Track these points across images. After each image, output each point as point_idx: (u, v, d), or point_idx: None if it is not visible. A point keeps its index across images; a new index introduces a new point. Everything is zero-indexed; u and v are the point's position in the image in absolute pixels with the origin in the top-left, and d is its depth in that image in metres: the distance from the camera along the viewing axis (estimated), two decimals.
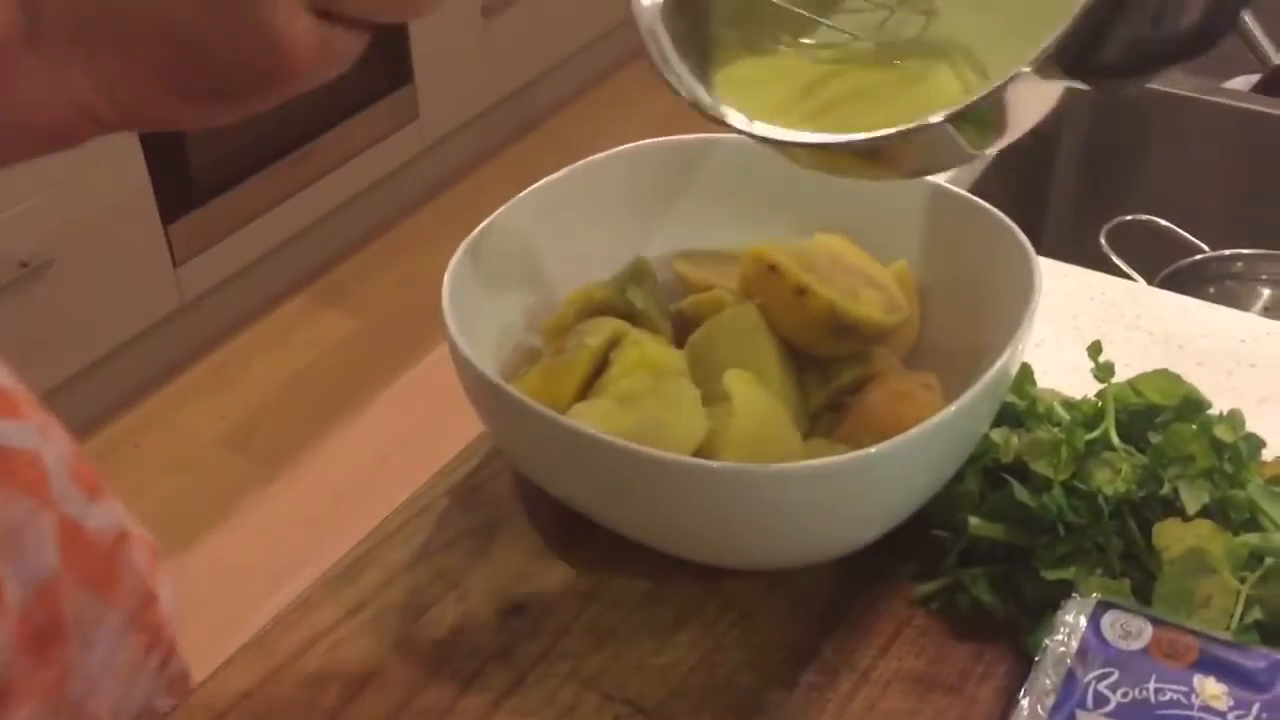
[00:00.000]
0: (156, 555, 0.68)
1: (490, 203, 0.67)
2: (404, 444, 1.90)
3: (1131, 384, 0.63)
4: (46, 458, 0.61)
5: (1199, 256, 1.08)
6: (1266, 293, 1.08)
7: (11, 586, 0.58)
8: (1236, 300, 1.06)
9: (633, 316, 0.65)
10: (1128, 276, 1.02)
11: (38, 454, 0.61)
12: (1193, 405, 0.61)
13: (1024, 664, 0.57)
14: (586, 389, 0.62)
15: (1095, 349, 0.64)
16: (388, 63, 2.33)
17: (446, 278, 0.62)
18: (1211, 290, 1.06)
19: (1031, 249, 0.62)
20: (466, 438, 0.72)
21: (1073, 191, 1.22)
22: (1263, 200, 1.16)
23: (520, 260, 0.68)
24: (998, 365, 0.57)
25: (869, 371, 0.64)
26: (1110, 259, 1.05)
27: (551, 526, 0.66)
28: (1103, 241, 1.07)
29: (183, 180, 2.00)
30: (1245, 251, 1.08)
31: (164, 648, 0.66)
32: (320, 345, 2.20)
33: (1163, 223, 1.10)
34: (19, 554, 0.59)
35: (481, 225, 0.66)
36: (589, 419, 0.58)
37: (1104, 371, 0.63)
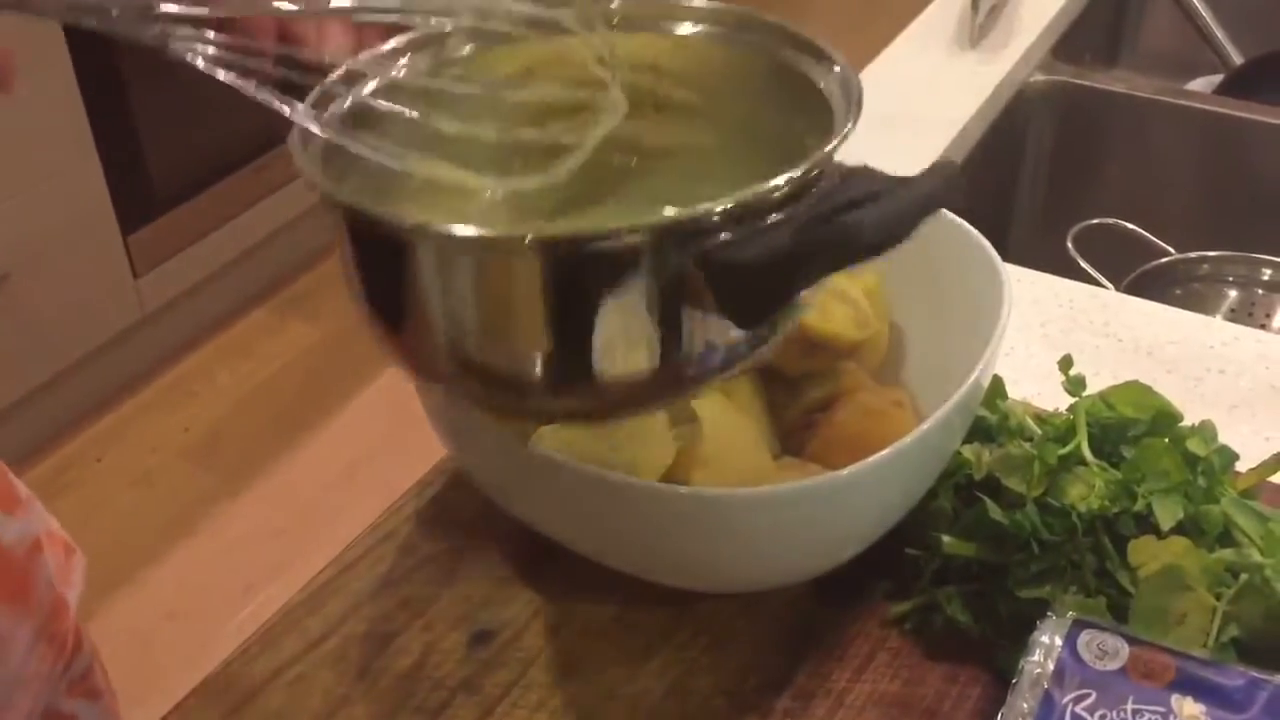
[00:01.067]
0: (70, 550, 0.67)
1: None
2: (371, 455, 1.87)
3: (1103, 397, 0.62)
4: None
5: (1165, 259, 1.08)
6: (1233, 294, 1.08)
7: None
8: (1203, 302, 1.06)
9: None
10: (1095, 281, 1.02)
11: None
12: (1165, 419, 0.61)
13: (1000, 684, 0.56)
14: None
15: (1066, 363, 0.63)
16: None
17: None
18: (1178, 293, 1.06)
19: (1001, 264, 0.62)
20: (434, 450, 0.71)
21: (1039, 195, 1.22)
22: (1228, 202, 1.16)
23: None
24: (969, 381, 0.56)
25: (839, 388, 0.63)
26: (1077, 263, 1.05)
27: (517, 552, 0.64)
28: (1069, 245, 1.07)
29: (142, 191, 1.97)
30: (1211, 254, 1.08)
31: (68, 653, 0.65)
32: (284, 356, 2.18)
33: (1129, 226, 1.10)
34: None
35: None
36: (554, 443, 0.57)
37: (1075, 385, 0.62)
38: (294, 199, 2.25)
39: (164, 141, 1.96)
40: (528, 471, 0.56)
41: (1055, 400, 0.65)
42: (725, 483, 0.56)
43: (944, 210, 0.66)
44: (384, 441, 2.03)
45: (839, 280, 0.66)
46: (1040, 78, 1.18)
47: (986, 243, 0.63)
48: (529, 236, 0.42)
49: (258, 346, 2.20)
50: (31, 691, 0.62)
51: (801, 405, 0.63)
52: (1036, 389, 0.73)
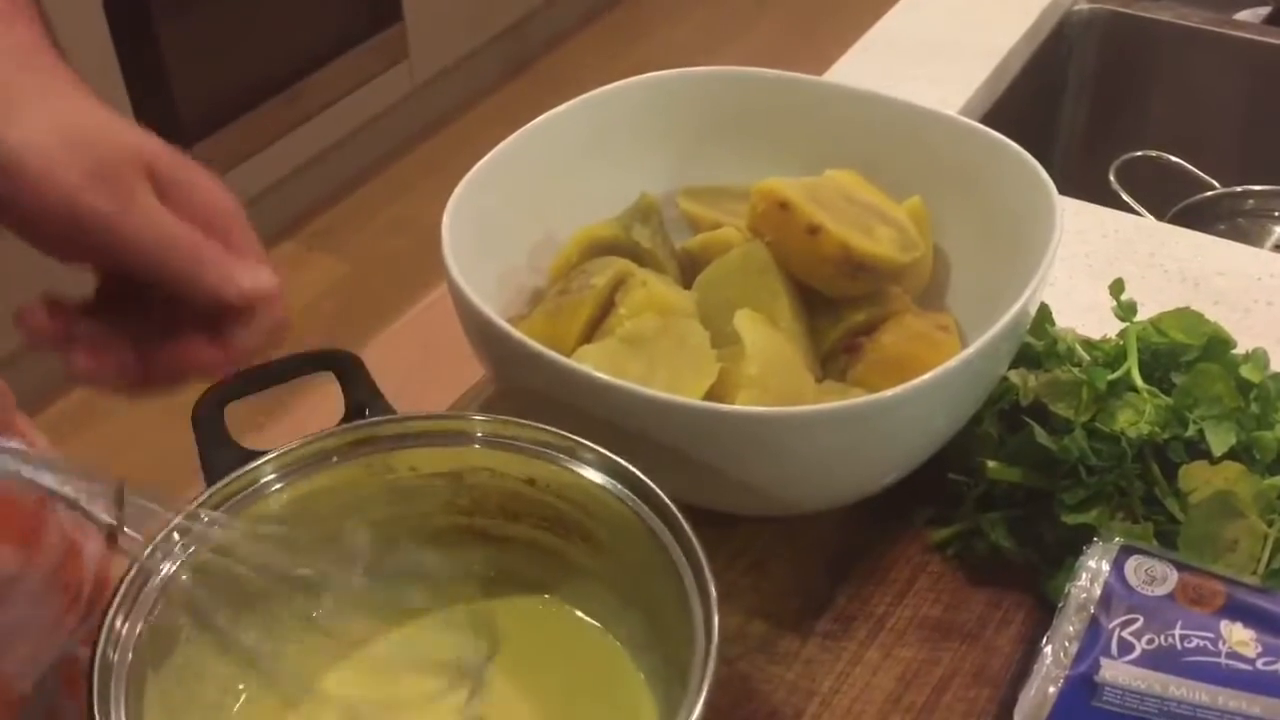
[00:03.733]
0: None
1: (483, 144, 0.64)
2: (398, 391, 1.86)
3: (1154, 323, 0.61)
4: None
5: (1210, 193, 1.06)
6: (1278, 230, 1.06)
7: None
8: (1248, 237, 1.04)
9: (638, 256, 0.63)
10: (1137, 214, 1.00)
11: None
12: (1218, 344, 0.60)
13: (1043, 610, 0.56)
14: (593, 330, 0.60)
15: (1118, 287, 0.62)
16: (376, 2, 2.28)
17: (446, 216, 0.60)
18: (1222, 227, 1.04)
19: (1053, 186, 0.60)
20: (461, 384, 0.70)
21: (1081, 127, 1.20)
22: (1274, 135, 1.13)
23: (521, 198, 0.66)
24: (1017, 305, 0.55)
25: (883, 312, 0.62)
26: (1119, 196, 1.03)
27: None
28: (1112, 178, 1.05)
29: (169, 123, 1.96)
30: (1256, 188, 1.06)
31: (84, 603, 0.64)
32: (310, 291, 2.17)
33: (1173, 159, 1.07)
34: None
35: (482, 162, 0.63)
36: (595, 362, 0.56)
37: (1126, 310, 0.61)
38: (321, 132, 2.24)
39: (190, 74, 1.94)
40: (569, 391, 0.55)
41: (1099, 331, 0.64)
42: (767, 404, 0.55)
43: (992, 131, 0.65)
44: (410, 377, 2.03)
45: (883, 202, 0.64)
46: (1085, 6, 1.15)
47: (1036, 163, 0.62)
48: None
49: (284, 281, 2.19)
50: (31, 640, 0.61)
51: (844, 328, 0.62)
52: (1080, 320, 0.71)
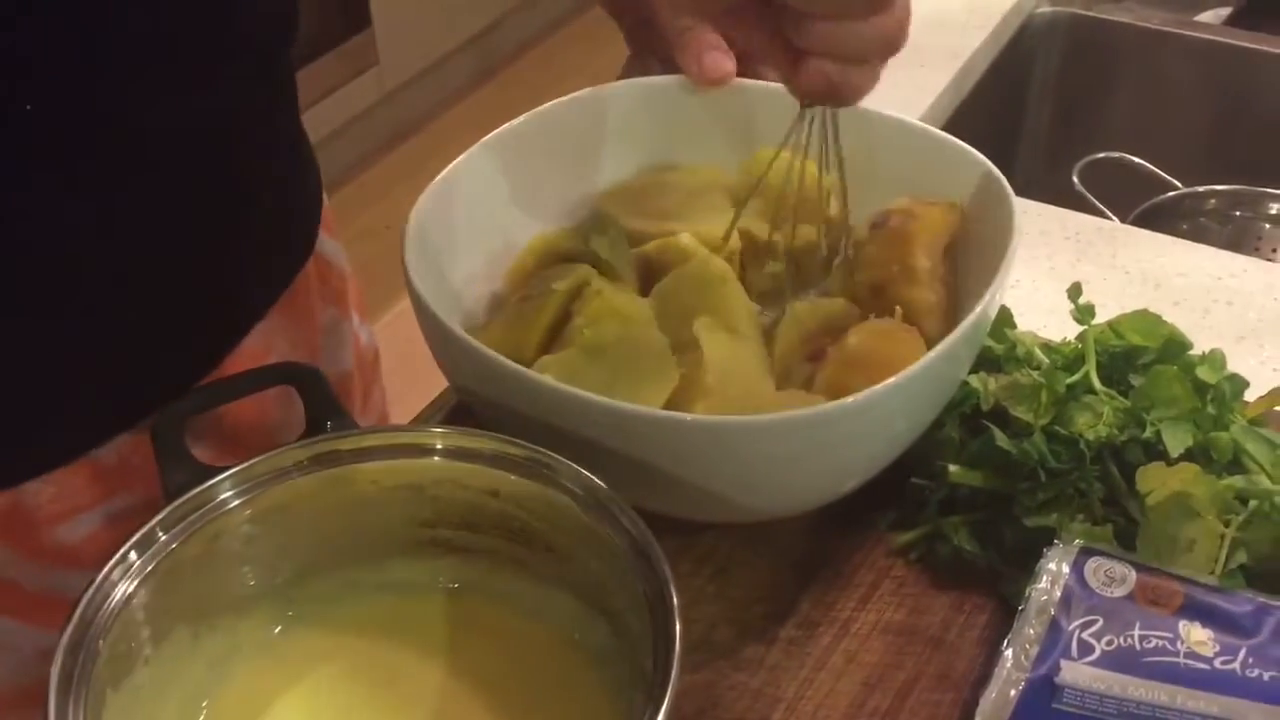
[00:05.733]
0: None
1: (452, 151, 0.65)
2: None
3: (1112, 325, 0.62)
4: (346, 274, 0.71)
5: (1172, 194, 1.07)
6: (1240, 229, 1.07)
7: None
8: (1210, 236, 1.05)
9: (597, 266, 0.63)
10: (1101, 214, 1.01)
11: (343, 270, 0.71)
12: (1174, 346, 0.60)
13: (1006, 613, 0.56)
14: (553, 338, 0.60)
15: (1075, 291, 0.62)
16: (345, 7, 2.28)
17: (408, 229, 0.60)
18: (1185, 227, 1.05)
19: (1010, 190, 0.61)
20: (429, 392, 0.70)
21: (1045, 129, 1.21)
22: (1235, 135, 1.15)
23: (483, 208, 0.66)
24: (977, 310, 0.55)
25: (840, 317, 0.62)
26: (1083, 197, 1.04)
27: None
28: (1075, 179, 1.06)
29: None
30: (1219, 188, 1.07)
31: None
32: None
33: (1136, 160, 1.09)
34: (329, 350, 0.68)
35: (443, 173, 0.63)
36: (556, 371, 0.56)
37: (1085, 314, 0.62)
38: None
39: None
40: (529, 400, 0.55)
41: (1061, 333, 0.65)
42: (727, 412, 0.56)
43: (948, 136, 0.66)
44: (385, 381, 2.02)
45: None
46: (1047, 9, 1.16)
47: (993, 167, 0.62)
48: None
49: None
50: None
51: (804, 332, 0.62)
52: (1042, 322, 0.72)
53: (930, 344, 0.57)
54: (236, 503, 0.49)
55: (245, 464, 0.50)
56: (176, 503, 0.48)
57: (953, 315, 0.60)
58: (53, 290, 0.53)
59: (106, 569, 0.46)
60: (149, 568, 0.47)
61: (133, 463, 0.57)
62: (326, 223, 0.70)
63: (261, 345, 0.63)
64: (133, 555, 0.46)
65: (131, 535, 0.47)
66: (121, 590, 0.46)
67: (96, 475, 0.57)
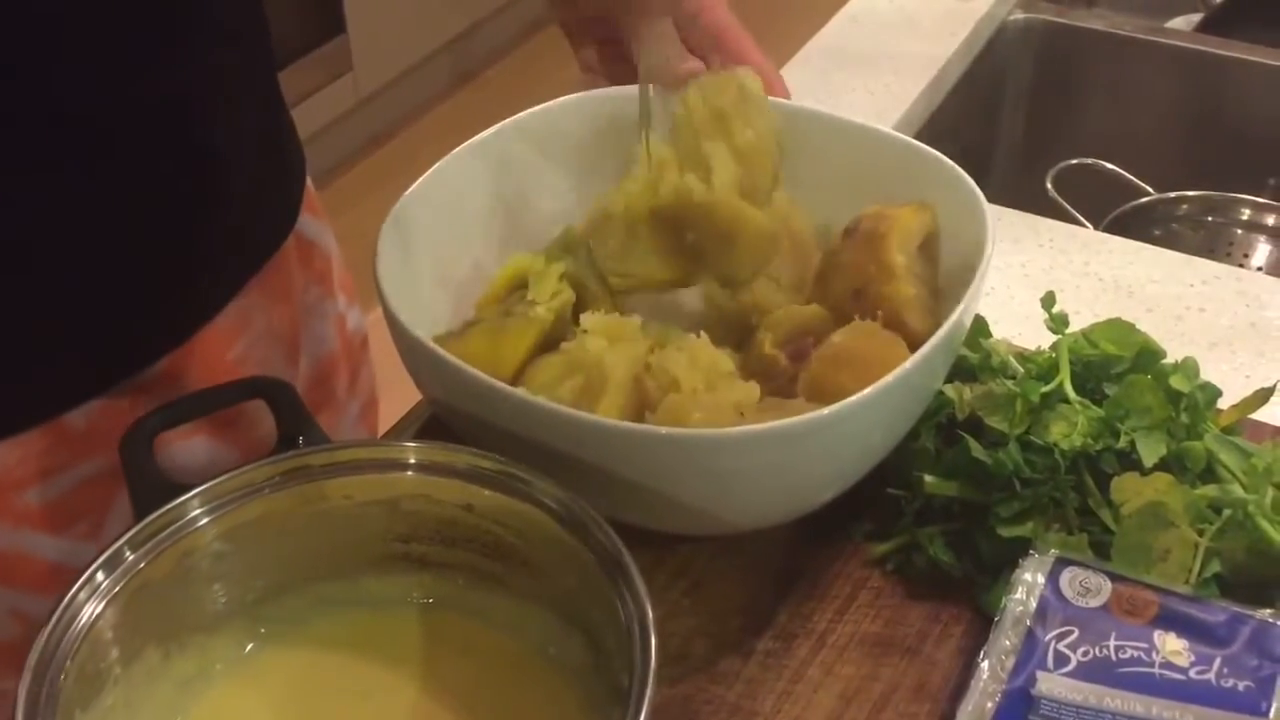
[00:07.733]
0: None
1: (429, 157, 0.64)
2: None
3: (1086, 335, 0.62)
4: (331, 255, 0.71)
5: (1145, 199, 1.07)
6: (1212, 234, 1.08)
7: (303, 359, 0.66)
8: (1183, 242, 1.06)
9: (576, 287, 0.63)
10: (1075, 221, 1.01)
11: (328, 250, 0.71)
12: (1148, 356, 0.60)
13: (982, 623, 0.56)
14: (538, 354, 0.60)
15: (1049, 300, 0.63)
16: (319, 13, 2.27)
17: (379, 239, 0.60)
18: (1158, 233, 1.06)
19: (984, 201, 0.61)
20: (407, 399, 0.70)
21: (1018, 136, 1.21)
22: (1207, 141, 1.15)
23: (456, 218, 0.65)
24: (951, 319, 0.55)
25: (816, 320, 0.62)
26: (1057, 203, 1.04)
27: None
28: (1049, 186, 1.06)
29: None
30: (1191, 193, 1.08)
31: None
32: None
33: (1109, 166, 1.09)
34: (311, 328, 0.68)
35: (415, 184, 0.63)
36: (532, 384, 0.56)
37: (1058, 323, 0.62)
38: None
39: None
40: (502, 413, 0.55)
41: (1036, 341, 0.65)
42: (705, 424, 0.55)
43: (921, 144, 0.65)
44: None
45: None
46: (1020, 16, 1.17)
47: (968, 177, 0.62)
48: None
49: None
50: None
51: (780, 335, 0.62)
52: (1017, 329, 0.72)
53: (914, 339, 0.57)
54: (206, 520, 0.49)
55: (215, 481, 0.49)
56: (145, 521, 0.48)
57: (935, 311, 0.60)
58: (6, 265, 0.52)
59: (73, 590, 0.45)
60: (117, 587, 0.46)
61: (101, 428, 0.56)
62: (311, 204, 0.69)
63: (238, 320, 0.62)
64: (100, 575, 0.46)
65: (99, 556, 0.46)
66: (89, 611, 0.45)
67: (64, 439, 0.56)
